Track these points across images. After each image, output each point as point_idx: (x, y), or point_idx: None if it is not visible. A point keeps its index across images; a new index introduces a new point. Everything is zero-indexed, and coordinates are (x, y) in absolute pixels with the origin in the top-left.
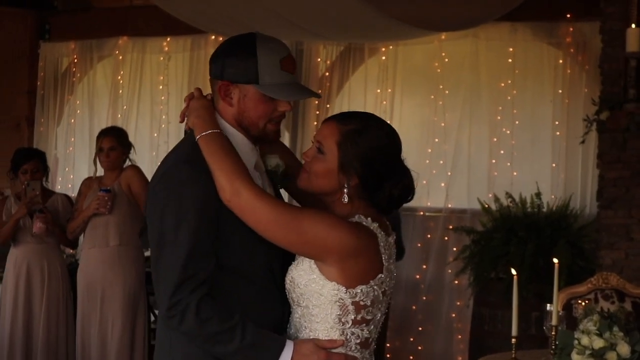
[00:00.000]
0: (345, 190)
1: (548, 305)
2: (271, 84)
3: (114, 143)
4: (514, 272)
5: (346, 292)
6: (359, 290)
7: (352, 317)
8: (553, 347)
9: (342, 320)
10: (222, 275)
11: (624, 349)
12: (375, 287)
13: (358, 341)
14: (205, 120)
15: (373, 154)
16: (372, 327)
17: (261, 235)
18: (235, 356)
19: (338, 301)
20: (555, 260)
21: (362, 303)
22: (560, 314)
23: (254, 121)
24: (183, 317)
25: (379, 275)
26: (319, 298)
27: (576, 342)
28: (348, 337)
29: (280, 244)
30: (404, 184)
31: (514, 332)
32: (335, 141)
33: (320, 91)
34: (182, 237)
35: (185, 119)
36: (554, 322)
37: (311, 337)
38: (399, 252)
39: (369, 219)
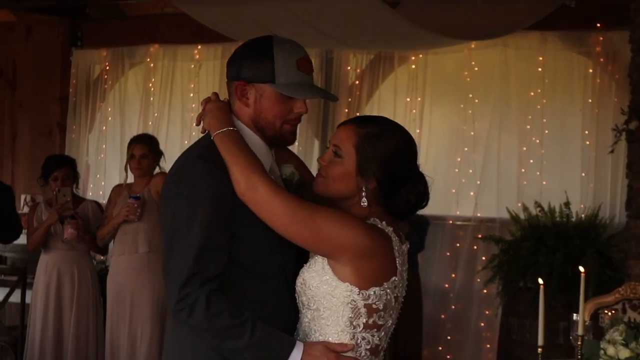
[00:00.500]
0: (363, 193)
1: (574, 314)
2: (287, 83)
3: (146, 150)
4: (540, 281)
5: (359, 294)
6: (372, 292)
7: (364, 320)
8: (579, 356)
9: (354, 323)
10: (234, 272)
11: None
12: (388, 290)
13: (368, 347)
14: (220, 120)
15: (391, 157)
16: (382, 333)
17: (275, 230)
18: (244, 353)
19: (350, 303)
20: (582, 269)
21: (374, 306)
22: (586, 323)
23: (270, 121)
24: (192, 311)
25: (393, 278)
26: (330, 300)
27: (602, 352)
28: (359, 341)
29: (295, 240)
30: (420, 190)
31: (540, 341)
32: (353, 144)
33: (350, 99)
34: (194, 230)
35: (202, 122)
36: (580, 331)
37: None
38: (419, 246)
39: (384, 222)
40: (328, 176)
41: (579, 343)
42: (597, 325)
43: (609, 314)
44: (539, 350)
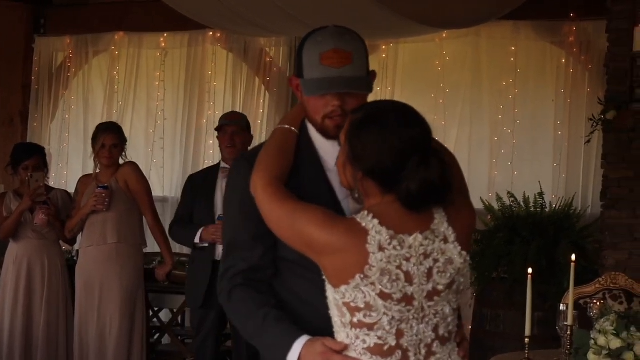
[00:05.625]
0: (357, 183)
1: (561, 305)
2: (309, 78)
3: (117, 140)
4: (530, 271)
5: (335, 292)
6: (343, 290)
7: (349, 319)
8: (568, 347)
9: (342, 321)
10: (283, 267)
11: None
12: (363, 288)
13: (365, 346)
14: (286, 117)
15: (371, 144)
16: (380, 332)
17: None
18: (255, 343)
19: (333, 300)
20: (573, 257)
21: (352, 305)
22: (574, 313)
23: (312, 116)
24: (224, 303)
25: (358, 275)
26: (326, 296)
27: (592, 342)
28: (353, 340)
29: (279, 238)
30: (421, 177)
31: (527, 331)
32: (345, 133)
33: None
34: (226, 228)
35: None
36: (569, 321)
37: (333, 338)
38: None
39: (371, 215)
40: (337, 168)
41: (568, 333)
42: (579, 315)
43: (597, 304)
44: (526, 340)
